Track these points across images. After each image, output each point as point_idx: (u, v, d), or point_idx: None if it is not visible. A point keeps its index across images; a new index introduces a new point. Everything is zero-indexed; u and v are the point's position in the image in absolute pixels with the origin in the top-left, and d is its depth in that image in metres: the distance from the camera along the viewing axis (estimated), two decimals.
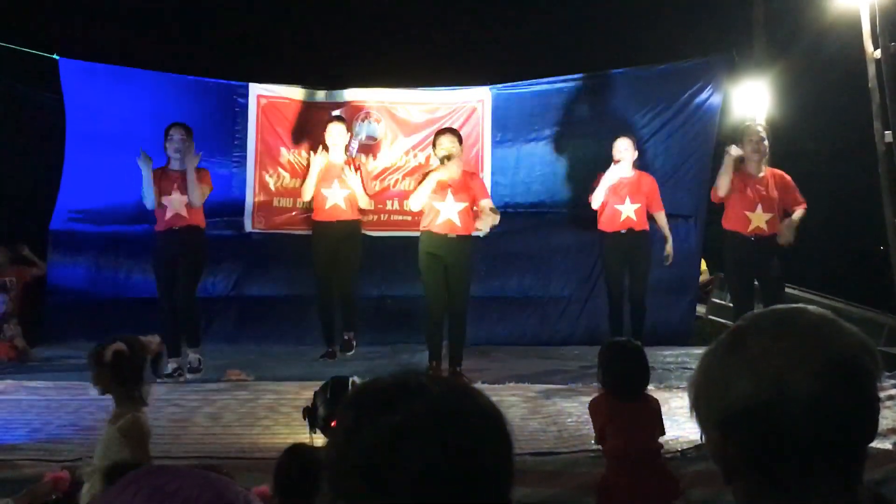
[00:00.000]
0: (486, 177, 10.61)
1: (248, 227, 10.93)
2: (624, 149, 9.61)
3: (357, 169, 9.82)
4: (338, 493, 1.42)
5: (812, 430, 1.55)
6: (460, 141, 9.12)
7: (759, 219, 9.25)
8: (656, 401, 5.48)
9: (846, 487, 1.58)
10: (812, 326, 1.63)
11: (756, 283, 9.49)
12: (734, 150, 9.17)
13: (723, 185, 9.24)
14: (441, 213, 8.90)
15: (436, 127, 10.40)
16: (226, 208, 10.67)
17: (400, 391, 1.45)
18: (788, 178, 9.41)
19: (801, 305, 1.72)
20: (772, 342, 1.61)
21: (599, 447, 5.47)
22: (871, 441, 1.61)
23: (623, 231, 9.56)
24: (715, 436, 1.65)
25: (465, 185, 9.00)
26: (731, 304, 11.88)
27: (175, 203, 8.98)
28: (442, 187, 8.90)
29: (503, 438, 1.47)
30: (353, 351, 9.96)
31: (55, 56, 10.59)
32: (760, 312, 1.73)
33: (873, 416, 1.60)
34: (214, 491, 1.38)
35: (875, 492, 1.63)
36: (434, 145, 9.08)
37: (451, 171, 8.84)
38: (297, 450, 4.38)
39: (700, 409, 1.68)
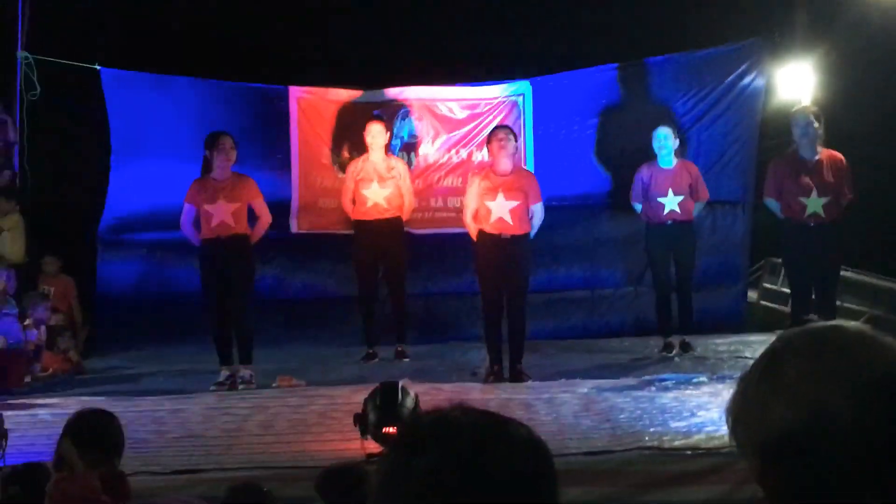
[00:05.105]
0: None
1: (294, 229, 10.97)
2: (663, 138, 9.49)
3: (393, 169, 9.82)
4: None
5: (854, 455, 1.51)
6: (516, 137, 9.07)
7: (815, 204, 8.93)
8: None
9: None
10: (847, 346, 1.58)
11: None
12: None
13: None
14: (493, 212, 8.70)
15: (477, 122, 10.36)
16: (270, 210, 10.68)
17: (432, 431, 1.44)
18: (844, 163, 9.05)
19: (836, 323, 1.67)
20: (807, 364, 1.56)
21: None
22: None
23: (668, 222, 9.44)
24: (756, 462, 1.60)
25: (518, 184, 8.79)
26: (783, 289, 11.75)
27: (220, 211, 8.87)
28: (491, 188, 8.80)
29: (540, 475, 1.44)
30: (408, 359, 9.87)
31: (96, 66, 10.68)
32: (795, 332, 1.67)
33: None
34: None
35: None
36: (489, 141, 8.98)
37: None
38: (333, 475, 4.35)
39: (738, 434, 1.64)
